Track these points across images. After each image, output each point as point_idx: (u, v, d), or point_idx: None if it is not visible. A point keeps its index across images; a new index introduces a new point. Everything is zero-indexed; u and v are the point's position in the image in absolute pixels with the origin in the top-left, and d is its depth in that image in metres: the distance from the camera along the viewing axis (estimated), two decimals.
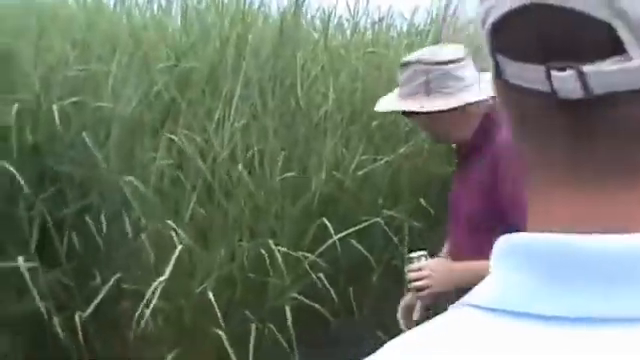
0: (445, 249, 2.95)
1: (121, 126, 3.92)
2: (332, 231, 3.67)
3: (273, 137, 4.06)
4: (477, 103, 2.74)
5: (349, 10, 4.81)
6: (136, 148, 3.93)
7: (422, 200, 3.97)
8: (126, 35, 4.46)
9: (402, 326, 3.10)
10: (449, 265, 2.78)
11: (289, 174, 3.87)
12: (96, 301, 3.57)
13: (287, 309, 3.56)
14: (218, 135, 4.06)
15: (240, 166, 3.87)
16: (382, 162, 3.93)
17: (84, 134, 3.74)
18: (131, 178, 3.68)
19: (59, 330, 3.67)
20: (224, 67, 4.44)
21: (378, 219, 3.80)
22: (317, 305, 3.69)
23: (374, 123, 4.16)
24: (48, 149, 3.85)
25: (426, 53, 2.78)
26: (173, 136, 3.97)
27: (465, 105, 2.71)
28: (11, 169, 3.64)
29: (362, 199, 3.96)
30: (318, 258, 3.70)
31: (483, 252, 2.46)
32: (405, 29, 4.96)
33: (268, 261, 3.60)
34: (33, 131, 3.89)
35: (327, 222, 3.71)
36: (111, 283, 3.57)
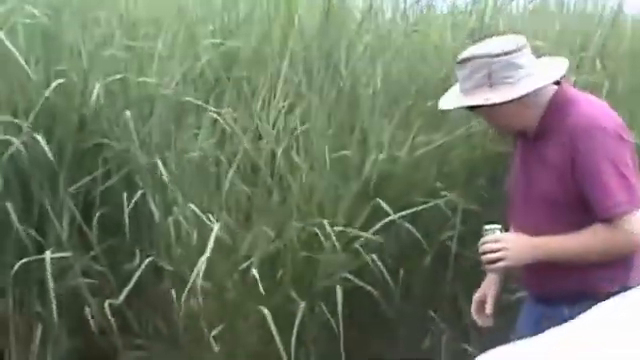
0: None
1: (165, 104, 3.92)
2: (390, 211, 3.65)
3: (319, 116, 4.03)
4: (540, 89, 2.82)
5: None
6: (179, 126, 3.92)
7: (477, 181, 3.92)
8: (172, 12, 4.44)
9: (477, 321, 3.12)
10: (526, 239, 2.80)
11: (342, 152, 3.82)
12: (133, 281, 3.57)
13: (338, 289, 3.54)
14: (263, 114, 4.04)
15: (286, 145, 3.84)
16: (436, 144, 3.88)
17: (127, 112, 3.74)
18: (171, 156, 3.68)
19: (96, 315, 3.68)
20: (270, 46, 4.41)
21: (436, 201, 3.76)
22: (369, 286, 3.65)
23: (429, 103, 4.12)
24: (92, 126, 3.86)
25: (485, 47, 2.84)
26: (216, 115, 3.95)
27: (528, 93, 2.78)
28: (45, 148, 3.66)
29: (415, 180, 3.92)
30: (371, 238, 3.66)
31: (561, 228, 2.49)
32: (446, 9, 4.92)
33: (322, 238, 3.57)
34: (78, 108, 3.91)
35: (382, 202, 3.67)
36: (146, 263, 3.57)
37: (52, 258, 3.62)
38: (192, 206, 3.60)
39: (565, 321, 2.69)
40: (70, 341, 3.90)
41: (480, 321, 3.10)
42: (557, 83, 2.88)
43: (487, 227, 2.85)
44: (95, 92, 3.77)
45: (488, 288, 3.05)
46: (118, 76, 3.87)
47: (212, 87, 4.25)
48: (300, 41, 4.45)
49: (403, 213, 3.66)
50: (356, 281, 3.59)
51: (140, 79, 3.89)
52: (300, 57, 4.36)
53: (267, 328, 3.47)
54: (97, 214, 3.75)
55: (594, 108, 2.86)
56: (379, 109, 4.02)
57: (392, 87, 4.21)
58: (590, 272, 2.77)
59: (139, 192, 3.67)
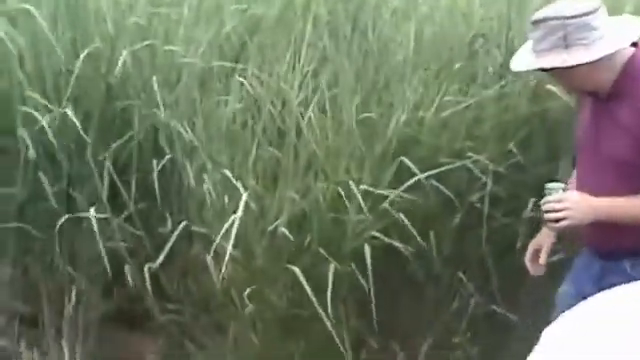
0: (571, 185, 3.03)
1: (191, 70, 3.94)
2: (416, 170, 3.65)
3: (346, 80, 4.03)
4: (617, 51, 2.86)
5: None
6: (206, 92, 3.94)
7: (508, 143, 3.92)
8: None
9: (529, 269, 3.22)
10: (589, 200, 2.87)
11: (366, 114, 3.82)
12: (169, 245, 3.60)
13: (366, 248, 3.56)
14: (289, 78, 4.05)
15: (312, 108, 3.85)
16: (465, 104, 3.88)
17: (154, 78, 3.77)
18: (199, 122, 3.71)
19: (130, 278, 3.73)
20: (294, 10, 4.41)
21: (464, 162, 3.76)
22: (397, 243, 3.66)
23: (456, 66, 4.11)
24: (120, 94, 3.89)
25: (559, 8, 2.87)
26: (243, 79, 3.97)
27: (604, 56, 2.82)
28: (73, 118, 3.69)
29: (443, 141, 3.92)
30: (398, 198, 3.67)
31: (627, 190, 2.59)
32: None
33: (346, 200, 3.58)
34: (106, 76, 3.94)
35: (408, 162, 3.68)
36: (180, 229, 3.60)
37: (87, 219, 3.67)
38: (226, 171, 3.61)
39: (627, 274, 2.88)
40: (103, 304, 3.96)
41: (532, 270, 3.20)
42: (634, 44, 2.91)
43: (549, 185, 2.91)
44: (122, 59, 3.79)
45: (545, 238, 3.15)
46: (145, 43, 3.89)
47: (238, 53, 4.26)
48: (324, 5, 4.45)
49: (430, 172, 3.66)
50: (385, 239, 3.59)
51: (166, 47, 3.90)
52: (324, 21, 4.36)
53: (297, 290, 3.50)
54: (129, 179, 3.79)
55: None
56: (408, 73, 4.01)
57: (422, 50, 4.20)
58: None
59: (166, 157, 3.69)
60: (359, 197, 3.52)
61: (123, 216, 3.79)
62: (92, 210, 3.68)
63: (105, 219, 3.73)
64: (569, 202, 2.86)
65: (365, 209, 3.52)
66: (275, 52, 4.23)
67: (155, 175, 3.67)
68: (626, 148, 2.84)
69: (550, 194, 2.89)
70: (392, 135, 3.77)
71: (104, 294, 3.96)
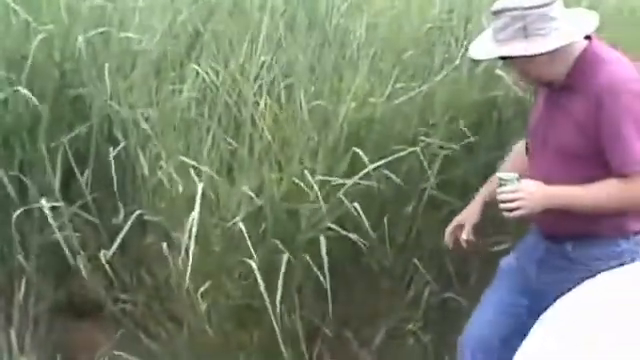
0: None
1: (146, 58, 3.90)
2: (366, 159, 3.65)
3: (301, 70, 4.02)
4: (572, 43, 2.97)
5: None
6: (161, 80, 3.91)
7: (459, 125, 3.93)
8: None
9: (446, 240, 3.39)
10: (543, 189, 2.96)
11: (317, 102, 3.82)
12: (120, 236, 3.57)
13: (322, 239, 3.56)
14: (245, 68, 4.03)
15: (265, 98, 3.83)
16: (416, 91, 3.89)
17: (107, 66, 3.72)
18: (154, 111, 3.68)
19: (83, 268, 3.69)
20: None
21: (413, 148, 3.77)
22: (351, 235, 3.66)
23: (406, 54, 4.12)
24: (74, 81, 3.84)
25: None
26: (198, 67, 3.94)
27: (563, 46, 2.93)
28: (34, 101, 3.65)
29: (395, 128, 3.93)
30: (351, 188, 3.66)
31: (574, 179, 2.67)
32: None
33: (301, 190, 3.57)
34: (60, 63, 3.88)
35: (360, 151, 3.68)
36: (133, 218, 3.57)
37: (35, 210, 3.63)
38: (183, 158, 3.59)
39: (568, 256, 3.05)
40: (55, 294, 3.92)
41: (449, 242, 3.38)
42: (588, 38, 3.02)
43: (503, 176, 3.00)
44: (77, 46, 3.75)
45: (470, 216, 3.32)
46: (100, 30, 3.84)
47: (193, 41, 4.23)
48: None
49: (380, 163, 3.66)
50: (340, 230, 3.59)
51: (122, 34, 3.86)
52: (281, 11, 4.34)
53: (253, 281, 3.49)
54: (83, 168, 3.76)
55: (623, 68, 2.99)
56: (361, 63, 4.01)
57: (375, 41, 4.20)
58: (598, 219, 2.99)
59: (121, 145, 3.67)
60: (315, 187, 3.51)
61: (77, 205, 3.74)
62: (43, 200, 3.62)
63: (57, 208, 3.67)
64: (524, 192, 2.94)
65: (320, 199, 3.51)
66: (231, 42, 4.20)
67: (113, 165, 3.61)
68: (576, 138, 2.96)
69: (505, 184, 2.96)
70: (343, 123, 3.76)
71: (56, 283, 3.92)
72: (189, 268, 3.32)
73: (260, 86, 3.91)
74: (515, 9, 2.92)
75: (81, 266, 3.68)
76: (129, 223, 3.59)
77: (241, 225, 3.44)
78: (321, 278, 3.49)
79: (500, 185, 2.98)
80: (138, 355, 3.86)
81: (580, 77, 2.97)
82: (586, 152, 2.96)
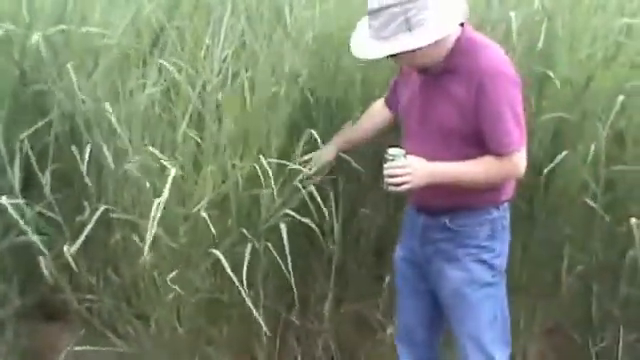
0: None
1: (109, 54, 3.86)
2: (319, 142, 3.71)
3: (262, 63, 3.99)
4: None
5: None
6: (124, 76, 3.86)
7: None
8: None
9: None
10: (427, 165, 3.15)
11: (273, 89, 3.83)
12: (86, 230, 3.51)
13: (282, 227, 3.58)
14: (207, 62, 4.00)
15: (226, 91, 3.81)
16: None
17: (69, 63, 3.68)
18: (119, 106, 3.64)
19: (47, 268, 3.65)
20: None
21: None
22: (308, 220, 3.68)
23: None
24: (34, 79, 3.79)
25: None
26: (163, 61, 3.90)
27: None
28: None
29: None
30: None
31: (453, 157, 2.93)
32: None
33: (261, 178, 3.57)
34: (19, 61, 3.83)
35: (314, 132, 3.72)
36: (99, 213, 3.53)
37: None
38: (151, 149, 3.55)
39: (446, 228, 3.28)
40: (19, 296, 3.87)
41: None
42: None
43: (391, 151, 3.14)
44: (35, 43, 3.70)
45: (326, 156, 3.67)
46: (61, 27, 3.80)
47: (156, 36, 4.19)
48: None
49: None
50: (296, 216, 3.63)
51: (83, 29, 3.81)
52: (244, 5, 4.31)
53: (220, 273, 3.47)
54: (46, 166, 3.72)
55: (499, 55, 3.21)
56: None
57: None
58: (473, 193, 3.23)
59: (87, 143, 3.63)
60: (269, 173, 3.53)
61: (41, 204, 3.69)
62: (4, 198, 3.58)
63: (17, 206, 3.62)
64: (411, 168, 3.13)
65: (272, 186, 3.54)
66: (193, 36, 4.17)
67: (85, 162, 3.59)
68: (455, 119, 3.16)
69: (392, 159, 3.12)
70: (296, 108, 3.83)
71: (21, 287, 3.87)
72: (147, 256, 3.29)
73: (224, 79, 3.89)
74: (396, 5, 3.03)
75: (44, 268, 3.61)
76: (94, 219, 3.53)
77: (204, 214, 3.42)
78: (283, 266, 3.51)
79: (387, 160, 3.14)
80: (106, 355, 3.82)
81: (459, 61, 3.16)
82: (465, 131, 3.16)
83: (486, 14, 4.05)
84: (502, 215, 3.34)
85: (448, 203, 3.26)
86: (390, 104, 3.61)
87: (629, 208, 3.95)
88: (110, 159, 3.62)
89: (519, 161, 3.21)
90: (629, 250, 3.94)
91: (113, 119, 3.56)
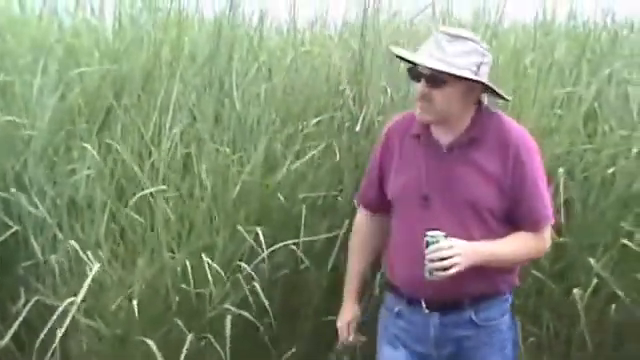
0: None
1: (45, 135, 3.81)
2: (263, 246, 3.60)
3: (209, 141, 3.96)
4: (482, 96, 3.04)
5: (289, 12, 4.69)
6: (63, 158, 3.82)
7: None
8: (55, 42, 4.33)
9: (350, 339, 3.27)
10: (472, 245, 2.87)
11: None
12: (17, 322, 3.44)
13: (227, 321, 3.48)
14: (154, 141, 3.97)
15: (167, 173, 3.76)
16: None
17: None
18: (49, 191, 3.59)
19: None
20: (159, 72, 4.32)
21: None
22: (247, 313, 3.59)
23: (312, 122, 4.10)
24: None
25: (474, 37, 2.98)
26: (111, 141, 3.86)
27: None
28: None
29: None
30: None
31: (489, 234, 2.60)
32: (339, 29, 4.92)
33: (201, 272, 3.49)
34: None
35: (260, 233, 3.61)
36: (31, 304, 3.46)
37: None
38: (73, 242, 3.50)
39: (474, 324, 2.99)
40: None
41: (354, 340, 3.29)
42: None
43: (432, 234, 2.84)
44: None
45: (350, 313, 3.28)
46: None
47: (104, 116, 4.15)
48: (191, 66, 4.39)
49: (274, 247, 3.66)
50: (238, 311, 3.54)
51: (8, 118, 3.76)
52: (192, 83, 4.28)
53: None
54: None
55: (519, 125, 3.07)
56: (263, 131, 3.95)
57: (280, 107, 4.16)
58: (495, 275, 3.00)
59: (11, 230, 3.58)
60: (208, 272, 3.46)
61: None
62: None
63: None
64: (458, 248, 2.84)
65: (211, 285, 3.47)
66: (141, 115, 4.13)
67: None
68: (491, 193, 2.94)
69: (434, 242, 2.83)
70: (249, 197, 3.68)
71: None
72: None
73: (172, 159, 3.85)
74: (478, 44, 2.95)
75: None
76: (26, 309, 3.47)
77: (134, 304, 3.34)
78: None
79: (428, 245, 2.84)
80: None
81: (487, 132, 2.98)
82: (500, 207, 2.95)
83: None
84: (510, 298, 3.14)
85: (473, 291, 2.99)
86: (374, 203, 3.24)
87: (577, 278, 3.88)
88: (37, 248, 3.56)
89: (548, 236, 3.06)
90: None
91: (41, 208, 3.50)
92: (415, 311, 3.04)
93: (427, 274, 2.84)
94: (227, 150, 3.86)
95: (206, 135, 3.96)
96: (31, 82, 3.93)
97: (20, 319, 3.44)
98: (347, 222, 3.76)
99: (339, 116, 4.08)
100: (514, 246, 2.98)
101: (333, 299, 3.82)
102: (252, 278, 3.55)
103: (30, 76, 3.97)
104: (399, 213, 3.09)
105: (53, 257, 3.56)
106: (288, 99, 4.23)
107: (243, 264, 3.58)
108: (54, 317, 3.44)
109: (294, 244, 3.70)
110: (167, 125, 3.99)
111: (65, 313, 3.49)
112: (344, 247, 3.69)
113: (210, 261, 3.46)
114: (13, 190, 3.65)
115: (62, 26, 4.64)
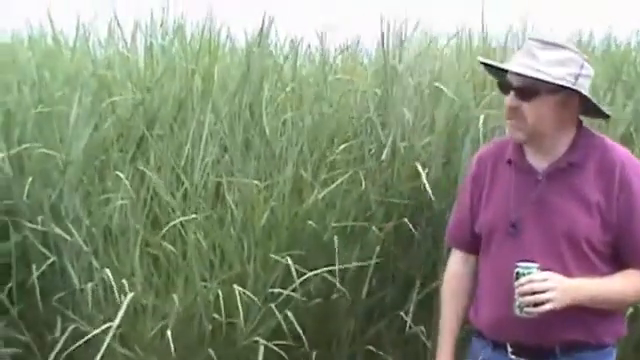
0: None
1: (80, 165, 3.88)
2: (294, 274, 3.61)
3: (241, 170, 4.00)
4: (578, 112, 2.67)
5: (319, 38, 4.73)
6: (97, 187, 3.87)
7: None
8: (89, 74, 4.41)
9: None
10: (570, 280, 2.53)
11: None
12: (56, 350, 3.49)
13: (261, 349, 3.49)
14: (188, 171, 4.02)
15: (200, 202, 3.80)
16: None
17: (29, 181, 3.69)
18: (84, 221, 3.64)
19: None
20: (191, 102, 4.38)
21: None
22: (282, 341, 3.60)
23: (341, 147, 4.13)
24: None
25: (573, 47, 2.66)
26: (145, 168, 3.91)
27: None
28: None
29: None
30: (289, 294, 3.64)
31: (588, 271, 2.36)
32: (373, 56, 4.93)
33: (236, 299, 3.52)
34: None
35: (290, 262, 3.62)
36: (67, 334, 3.51)
37: None
38: (107, 271, 3.54)
39: None
40: None
41: None
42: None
43: (524, 265, 2.52)
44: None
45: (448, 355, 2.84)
46: (25, 145, 3.82)
47: (136, 146, 4.21)
48: (222, 95, 4.44)
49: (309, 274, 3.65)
50: (269, 345, 3.54)
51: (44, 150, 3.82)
52: (224, 111, 4.33)
53: None
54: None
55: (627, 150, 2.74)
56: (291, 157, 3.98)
57: (309, 134, 4.20)
58: (596, 321, 2.62)
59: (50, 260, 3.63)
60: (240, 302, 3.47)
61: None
62: None
63: None
64: (554, 281, 2.50)
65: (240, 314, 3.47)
66: (173, 144, 4.19)
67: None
68: (592, 223, 2.59)
69: (526, 274, 2.51)
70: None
71: None
72: None
73: (205, 187, 3.88)
74: (577, 54, 2.63)
75: None
76: (64, 337, 3.52)
77: (168, 334, 3.36)
78: None
79: (518, 277, 2.52)
80: None
81: (589, 157, 2.63)
82: (603, 239, 2.59)
83: None
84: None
85: (568, 337, 2.61)
86: (467, 241, 2.83)
87: None
88: (74, 276, 3.60)
89: None
90: None
91: (73, 238, 3.55)
92: (500, 357, 2.68)
93: (517, 310, 2.52)
94: (256, 182, 3.88)
95: (237, 165, 4.00)
96: (67, 114, 3.98)
97: (58, 347, 3.48)
98: (378, 249, 3.79)
99: (366, 142, 4.08)
100: (621, 285, 2.60)
101: (367, 327, 3.86)
102: (285, 306, 3.56)
103: (66, 107, 4.02)
104: (487, 247, 2.73)
105: (89, 285, 3.58)
106: (316, 126, 4.25)
107: (276, 290, 3.58)
108: (89, 341, 3.52)
109: (329, 272, 3.69)
110: (200, 155, 4.05)
111: (101, 341, 3.56)
112: (375, 273, 3.73)
113: (242, 289, 3.47)
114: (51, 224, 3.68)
115: (95, 58, 4.70)
